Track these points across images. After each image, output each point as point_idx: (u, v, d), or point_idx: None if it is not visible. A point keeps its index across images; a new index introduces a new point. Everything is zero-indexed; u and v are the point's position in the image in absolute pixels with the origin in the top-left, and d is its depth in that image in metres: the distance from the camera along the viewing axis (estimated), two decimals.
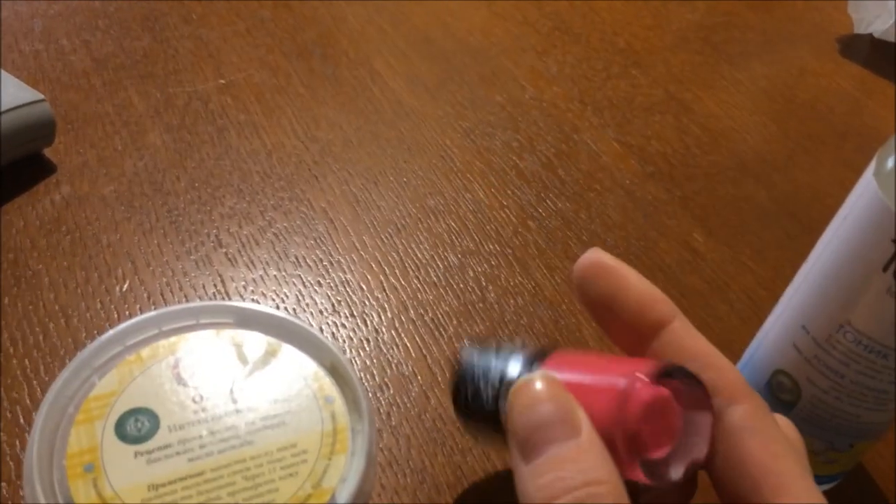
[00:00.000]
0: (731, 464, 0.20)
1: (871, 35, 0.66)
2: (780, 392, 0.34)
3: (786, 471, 0.20)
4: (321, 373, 0.29)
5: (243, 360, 0.29)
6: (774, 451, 0.20)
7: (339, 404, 0.29)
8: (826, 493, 0.37)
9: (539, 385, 0.20)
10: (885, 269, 0.28)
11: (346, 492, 0.26)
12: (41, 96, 0.45)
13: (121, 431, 0.27)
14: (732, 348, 0.42)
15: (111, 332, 0.29)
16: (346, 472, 0.27)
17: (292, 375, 0.29)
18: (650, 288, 0.23)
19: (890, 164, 0.28)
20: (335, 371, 0.29)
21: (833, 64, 0.65)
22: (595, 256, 0.23)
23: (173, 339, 0.30)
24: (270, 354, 0.30)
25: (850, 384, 0.31)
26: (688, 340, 0.22)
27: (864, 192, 0.29)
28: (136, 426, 0.27)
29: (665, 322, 0.22)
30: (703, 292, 0.46)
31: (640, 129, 0.56)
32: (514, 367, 0.26)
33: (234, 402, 0.28)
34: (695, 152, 0.55)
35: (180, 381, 0.28)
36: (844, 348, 0.31)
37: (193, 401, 0.28)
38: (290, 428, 0.28)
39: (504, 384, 0.26)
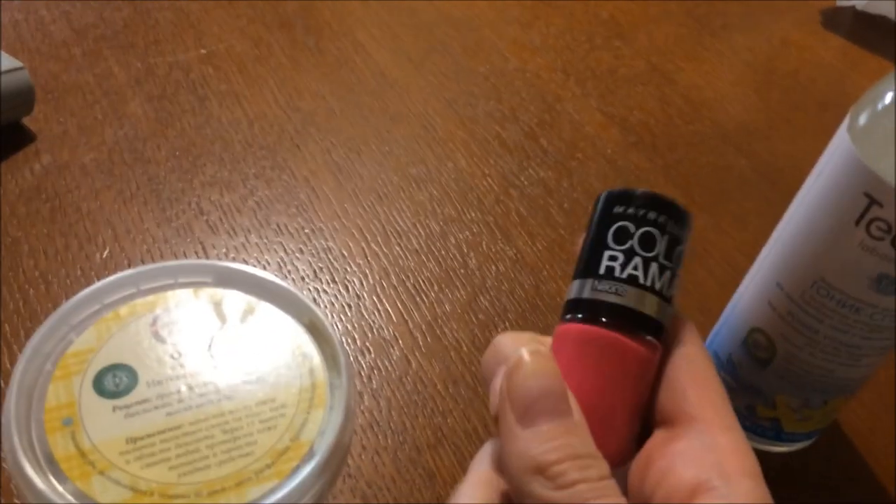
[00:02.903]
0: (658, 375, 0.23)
1: (853, 7, 0.66)
2: (755, 350, 0.34)
3: (707, 381, 0.22)
4: (299, 330, 0.30)
5: (222, 317, 0.30)
6: (697, 365, 0.22)
7: (318, 360, 0.29)
8: (802, 451, 0.38)
9: (542, 363, 0.21)
10: (857, 222, 0.28)
11: (324, 444, 0.27)
12: (20, 64, 0.44)
13: (99, 387, 0.27)
14: (710, 313, 0.42)
15: (88, 289, 0.29)
16: (324, 426, 0.27)
17: (271, 333, 0.29)
18: None
19: (862, 119, 0.29)
20: (314, 328, 0.30)
21: (815, 36, 0.65)
22: None
23: (151, 297, 0.30)
24: (249, 312, 0.30)
25: (823, 339, 0.32)
26: None
27: (837, 148, 0.29)
28: (115, 381, 0.27)
29: None
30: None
31: (622, 100, 0.56)
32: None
33: (213, 357, 0.28)
34: (677, 122, 0.55)
35: (158, 338, 0.29)
36: (818, 304, 0.31)
37: (172, 357, 0.28)
38: (269, 383, 0.28)
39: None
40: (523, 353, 0.21)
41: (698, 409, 0.21)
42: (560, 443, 0.20)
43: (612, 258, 0.22)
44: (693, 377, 0.22)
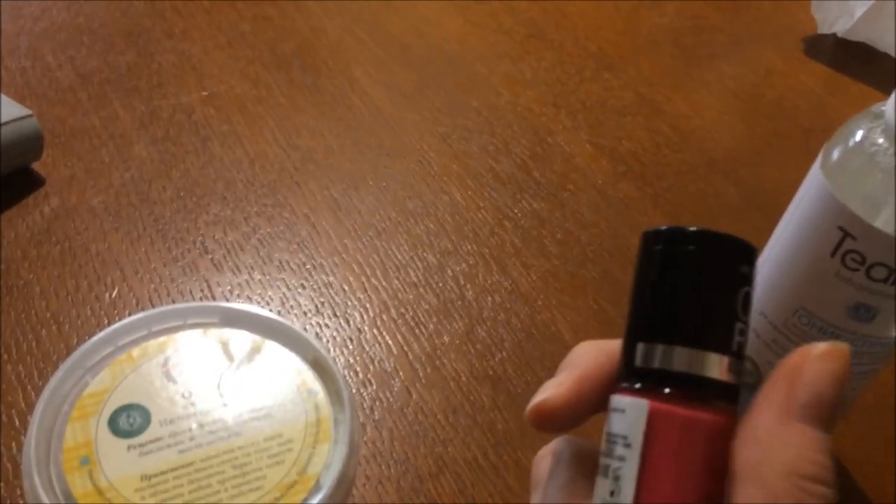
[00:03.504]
0: None
1: (834, 34, 0.68)
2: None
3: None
4: (304, 367, 0.31)
5: (229, 356, 0.31)
6: None
7: (322, 396, 0.30)
8: None
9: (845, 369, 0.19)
10: (832, 254, 0.30)
11: (329, 477, 0.28)
12: (29, 112, 0.46)
13: (114, 426, 0.28)
14: None
15: (103, 333, 0.30)
16: (329, 460, 0.28)
17: (277, 370, 0.31)
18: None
19: (835, 155, 0.30)
20: (317, 365, 0.31)
21: (798, 63, 0.67)
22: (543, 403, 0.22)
23: (162, 338, 0.31)
24: (255, 351, 0.31)
25: None
26: None
27: (812, 183, 0.31)
28: (129, 421, 0.28)
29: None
30: None
31: (612, 131, 0.58)
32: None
33: (222, 396, 0.30)
34: (665, 151, 0.57)
35: (170, 378, 0.30)
36: (800, 331, 0.32)
37: (183, 396, 0.29)
38: (276, 419, 0.29)
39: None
40: (822, 348, 0.19)
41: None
42: (827, 461, 0.18)
43: (742, 332, 0.20)
44: None
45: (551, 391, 0.22)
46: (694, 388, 0.19)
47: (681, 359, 0.19)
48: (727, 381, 0.19)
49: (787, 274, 0.32)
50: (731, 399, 0.20)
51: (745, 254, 0.20)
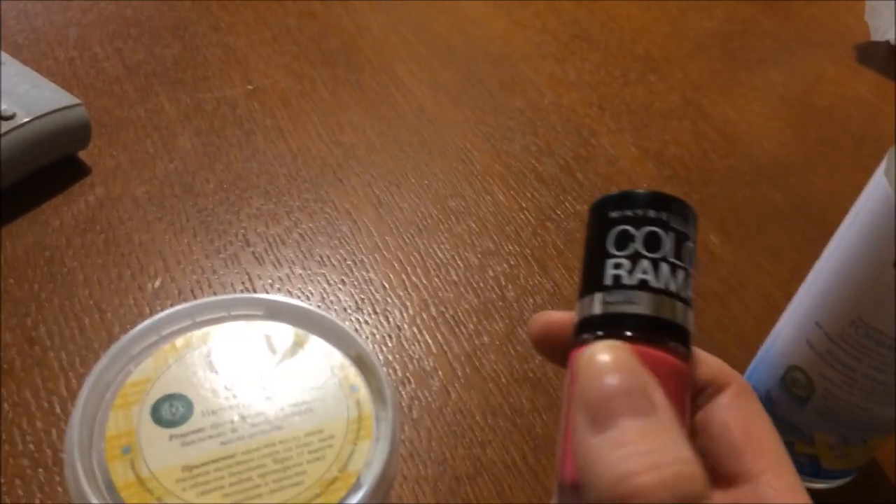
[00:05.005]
0: (714, 435, 0.21)
1: (887, 42, 0.67)
2: (794, 387, 0.34)
3: (766, 439, 0.21)
4: (347, 363, 0.31)
5: (272, 350, 0.31)
6: (755, 423, 0.22)
7: (364, 393, 0.30)
8: (840, 489, 0.38)
9: (616, 355, 0.19)
10: (895, 264, 0.29)
11: (370, 475, 0.27)
12: (77, 101, 0.46)
13: (157, 416, 0.28)
14: (747, 347, 0.42)
15: (147, 322, 0.30)
16: (370, 457, 0.28)
17: (319, 365, 0.30)
18: None
19: None
20: (360, 361, 0.31)
21: (850, 70, 0.65)
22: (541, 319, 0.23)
23: (206, 329, 0.31)
24: (298, 345, 0.31)
25: (861, 378, 0.32)
26: None
27: (874, 191, 0.30)
28: (171, 411, 0.28)
29: None
30: (720, 293, 0.47)
31: (657, 134, 0.57)
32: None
33: (264, 389, 0.29)
34: (712, 156, 0.56)
35: (213, 369, 0.30)
36: (856, 343, 0.31)
37: (225, 388, 0.29)
38: (318, 415, 0.29)
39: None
40: (594, 348, 0.19)
41: (756, 469, 0.20)
42: (639, 448, 0.17)
43: (617, 266, 0.21)
44: (748, 433, 0.21)
45: (556, 312, 0.24)
46: (590, 329, 0.21)
47: (581, 308, 0.22)
48: (620, 313, 0.20)
49: (845, 283, 0.31)
50: (641, 333, 0.20)
51: (621, 201, 0.22)
